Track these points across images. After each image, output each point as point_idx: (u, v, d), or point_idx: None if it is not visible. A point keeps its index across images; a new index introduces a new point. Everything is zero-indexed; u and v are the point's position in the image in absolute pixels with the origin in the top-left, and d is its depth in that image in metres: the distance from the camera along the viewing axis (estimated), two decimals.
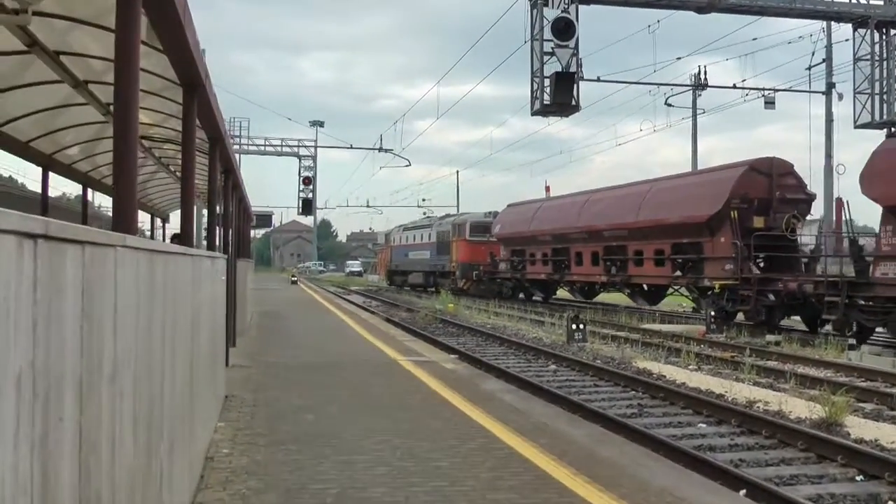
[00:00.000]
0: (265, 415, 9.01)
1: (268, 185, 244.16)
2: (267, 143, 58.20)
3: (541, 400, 11.50)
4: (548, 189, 50.23)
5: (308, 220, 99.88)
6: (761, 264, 25.81)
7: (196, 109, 6.78)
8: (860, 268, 20.34)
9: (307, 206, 58.61)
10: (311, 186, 57.81)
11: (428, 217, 65.54)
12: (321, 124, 67.82)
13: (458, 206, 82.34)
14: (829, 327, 21.51)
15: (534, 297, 42.94)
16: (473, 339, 23.47)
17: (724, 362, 17.36)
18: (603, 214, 32.79)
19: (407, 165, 57.73)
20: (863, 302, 20.12)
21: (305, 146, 59.68)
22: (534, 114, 28.53)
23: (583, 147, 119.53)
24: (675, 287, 29.79)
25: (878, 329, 20.77)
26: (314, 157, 60.02)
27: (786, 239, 24.89)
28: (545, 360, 18.19)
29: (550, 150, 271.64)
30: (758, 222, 24.96)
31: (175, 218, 24.25)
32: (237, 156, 44.16)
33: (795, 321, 24.83)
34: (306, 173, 57.94)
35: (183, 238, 6.97)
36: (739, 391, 13.64)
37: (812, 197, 26.33)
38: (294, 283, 61.30)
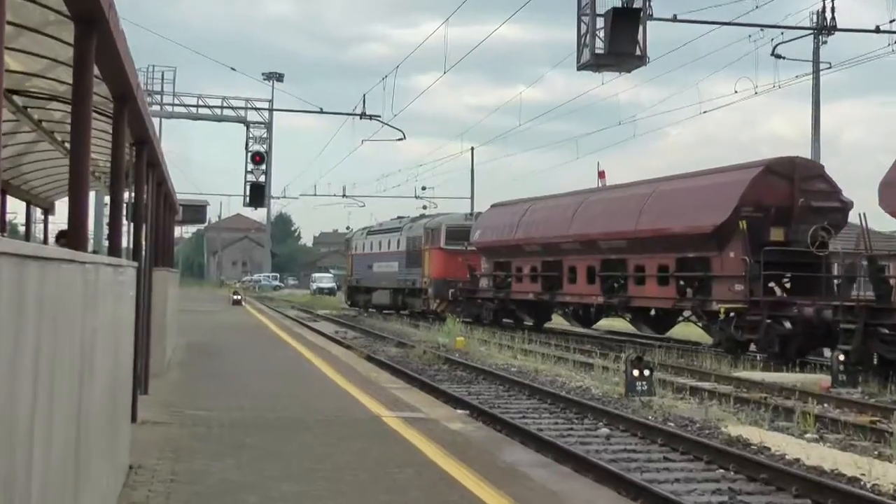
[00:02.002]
0: (188, 496, 8.97)
1: (202, 164, 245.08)
2: (201, 102, 58.40)
3: (587, 478, 11.49)
4: (601, 175, 50.38)
5: (259, 215, 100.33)
6: (787, 285, 28.56)
7: (94, 53, 6.76)
8: (881, 291, 23.01)
9: (258, 195, 58.63)
10: (263, 166, 57.93)
11: (398, 218, 65.91)
12: (279, 78, 68.26)
13: (472, 199, 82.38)
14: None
15: (525, 323, 45.18)
16: (492, 387, 23.52)
17: (861, 429, 17.25)
18: (598, 220, 35.58)
19: (400, 139, 57.11)
20: (885, 331, 22.34)
21: (257, 108, 59.90)
22: (581, 67, 28.65)
23: (652, 116, 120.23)
24: (685, 313, 32.77)
25: None
26: (269, 125, 60.28)
27: (812, 255, 27.43)
28: (593, 421, 18.17)
29: (605, 119, 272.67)
30: (776, 235, 27.86)
31: (63, 207, 24.30)
32: (157, 120, 44.14)
33: None
34: (257, 147, 58.03)
35: (71, 237, 6.92)
36: (884, 473, 13.53)
37: (848, 205, 28.66)
38: (237, 302, 61.55)
